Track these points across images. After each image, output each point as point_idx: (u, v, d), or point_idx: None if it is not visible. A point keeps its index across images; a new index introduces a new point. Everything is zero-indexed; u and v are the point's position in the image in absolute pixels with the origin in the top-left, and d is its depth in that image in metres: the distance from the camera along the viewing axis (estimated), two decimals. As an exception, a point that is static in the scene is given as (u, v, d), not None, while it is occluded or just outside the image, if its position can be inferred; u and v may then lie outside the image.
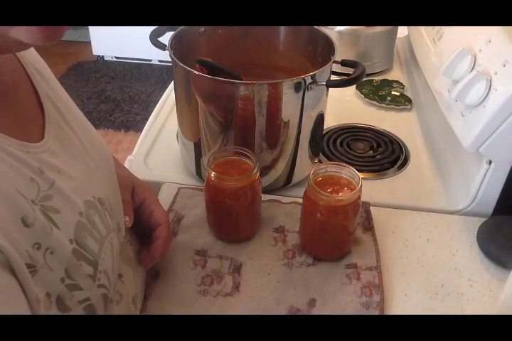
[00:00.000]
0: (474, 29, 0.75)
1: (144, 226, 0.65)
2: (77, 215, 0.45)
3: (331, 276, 0.67)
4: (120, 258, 0.56)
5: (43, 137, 0.47)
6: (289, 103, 0.72)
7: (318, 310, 0.63)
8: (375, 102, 1.07)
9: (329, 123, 1.00)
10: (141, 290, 0.64)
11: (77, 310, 0.43)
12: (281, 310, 0.63)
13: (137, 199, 0.66)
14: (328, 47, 0.77)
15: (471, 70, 0.71)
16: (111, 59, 3.20)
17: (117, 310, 0.53)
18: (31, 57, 0.53)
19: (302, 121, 0.75)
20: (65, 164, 0.47)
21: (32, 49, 0.55)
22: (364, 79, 1.06)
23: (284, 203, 0.79)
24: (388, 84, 1.13)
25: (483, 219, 0.75)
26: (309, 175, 0.65)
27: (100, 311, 0.47)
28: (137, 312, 0.61)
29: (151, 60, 3.13)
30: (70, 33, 3.52)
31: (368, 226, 0.75)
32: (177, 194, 0.80)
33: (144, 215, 0.65)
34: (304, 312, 0.63)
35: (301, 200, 0.69)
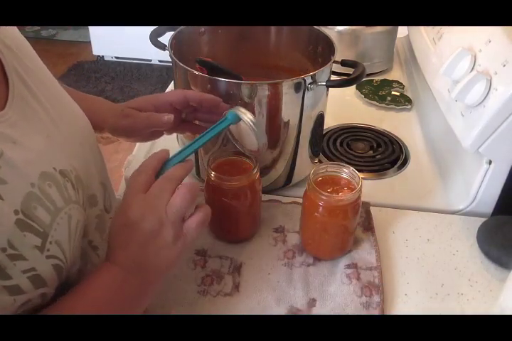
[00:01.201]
0: (474, 29, 0.75)
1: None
2: (28, 186, 0.45)
3: (331, 276, 0.67)
4: (96, 231, 0.56)
5: (3, 109, 0.47)
6: (289, 103, 0.72)
7: (318, 310, 0.63)
8: (375, 102, 1.07)
9: (329, 123, 1.00)
10: None
11: (21, 279, 0.43)
12: (281, 310, 0.63)
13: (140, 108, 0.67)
14: (328, 47, 0.77)
15: (471, 70, 0.71)
16: (111, 59, 3.20)
17: None
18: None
19: (302, 121, 0.75)
20: (24, 136, 0.47)
21: None
22: (364, 79, 1.06)
23: (284, 203, 0.79)
24: (388, 84, 1.13)
25: (483, 219, 0.75)
26: (309, 175, 0.65)
27: (52, 282, 0.47)
28: None
29: (151, 60, 3.13)
30: (70, 33, 3.53)
31: (368, 226, 0.75)
32: (177, 194, 0.80)
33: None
34: (304, 312, 0.63)
35: (301, 200, 0.69)
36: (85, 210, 0.54)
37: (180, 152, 0.56)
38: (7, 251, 0.42)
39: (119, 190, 0.90)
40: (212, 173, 0.66)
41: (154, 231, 0.49)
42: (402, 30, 1.22)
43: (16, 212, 0.43)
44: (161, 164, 0.54)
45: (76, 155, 0.56)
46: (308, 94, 0.71)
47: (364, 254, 0.70)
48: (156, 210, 0.50)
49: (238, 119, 0.59)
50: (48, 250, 0.46)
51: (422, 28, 1.01)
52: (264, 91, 0.69)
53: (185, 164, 0.55)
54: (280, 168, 0.79)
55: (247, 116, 0.59)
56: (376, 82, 1.14)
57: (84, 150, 0.59)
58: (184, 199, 0.51)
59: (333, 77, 0.75)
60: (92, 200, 0.57)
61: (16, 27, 0.56)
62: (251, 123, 0.59)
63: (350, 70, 0.73)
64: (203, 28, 0.83)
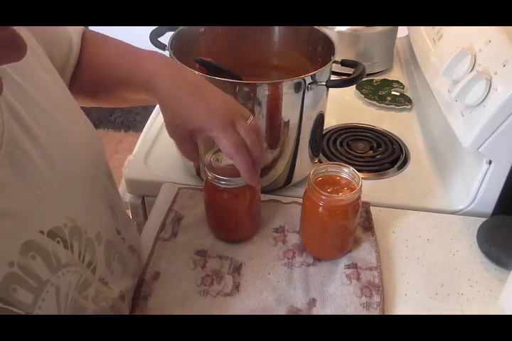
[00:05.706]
0: (474, 29, 0.75)
1: None
2: (5, 267, 0.40)
3: (331, 276, 0.67)
4: (105, 266, 0.54)
5: None
6: (289, 103, 0.72)
7: (318, 310, 0.63)
8: (375, 102, 1.07)
9: (329, 123, 1.00)
10: (133, 285, 0.63)
11: None
12: (281, 310, 0.63)
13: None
14: (328, 47, 0.77)
15: (471, 70, 0.71)
16: (111, 59, 3.19)
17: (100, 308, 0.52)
18: None
19: (302, 121, 0.75)
20: (7, 199, 0.42)
21: None
22: (364, 79, 1.06)
23: (284, 203, 0.79)
24: (388, 84, 1.13)
25: (483, 219, 0.75)
26: (309, 175, 0.65)
27: None
28: (125, 305, 0.60)
29: (151, 60, 3.13)
30: (70, 33, 3.52)
31: (368, 226, 0.75)
32: (177, 194, 0.80)
33: None
34: (304, 312, 0.63)
35: (301, 200, 0.69)
36: (83, 261, 0.50)
37: None
38: None
39: (119, 190, 0.90)
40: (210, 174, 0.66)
41: None
42: (402, 30, 1.22)
43: None
44: None
45: (75, 197, 0.51)
46: (308, 94, 0.71)
47: (364, 254, 0.70)
48: None
49: None
50: None
51: (422, 28, 1.01)
52: (264, 91, 0.69)
53: None
54: (280, 168, 0.79)
55: None
56: (376, 82, 1.14)
57: (87, 184, 0.54)
58: None
59: (333, 77, 0.75)
60: (98, 238, 0.53)
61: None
62: None
63: (350, 70, 0.73)
64: (202, 28, 0.83)
